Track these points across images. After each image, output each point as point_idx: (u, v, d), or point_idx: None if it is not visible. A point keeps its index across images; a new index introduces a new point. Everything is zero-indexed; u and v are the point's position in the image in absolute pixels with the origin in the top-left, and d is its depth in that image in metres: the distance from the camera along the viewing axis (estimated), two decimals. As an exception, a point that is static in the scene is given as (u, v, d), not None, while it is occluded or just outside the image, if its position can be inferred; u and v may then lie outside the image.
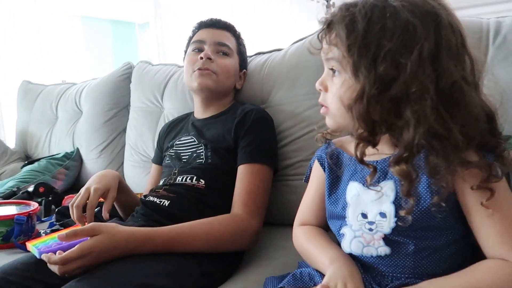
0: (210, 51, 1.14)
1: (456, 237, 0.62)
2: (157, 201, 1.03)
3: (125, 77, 1.71)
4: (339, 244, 0.70)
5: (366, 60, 0.56)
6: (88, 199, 0.98)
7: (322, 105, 0.67)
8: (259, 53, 1.35)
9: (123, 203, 1.13)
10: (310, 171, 0.81)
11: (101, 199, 1.01)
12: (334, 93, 0.63)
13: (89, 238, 0.80)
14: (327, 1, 2.51)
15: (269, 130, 1.11)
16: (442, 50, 0.55)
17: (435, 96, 0.54)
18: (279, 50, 1.30)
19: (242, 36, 1.27)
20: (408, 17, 0.55)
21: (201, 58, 1.13)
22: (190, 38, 1.23)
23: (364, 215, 0.64)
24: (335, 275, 0.60)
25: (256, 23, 3.71)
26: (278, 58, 1.25)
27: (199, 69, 1.13)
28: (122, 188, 1.09)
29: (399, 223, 0.60)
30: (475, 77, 0.59)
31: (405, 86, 0.54)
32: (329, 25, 0.62)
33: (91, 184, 1.01)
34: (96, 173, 1.08)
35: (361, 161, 0.60)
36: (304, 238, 0.75)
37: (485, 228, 0.58)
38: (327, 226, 0.76)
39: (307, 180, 0.82)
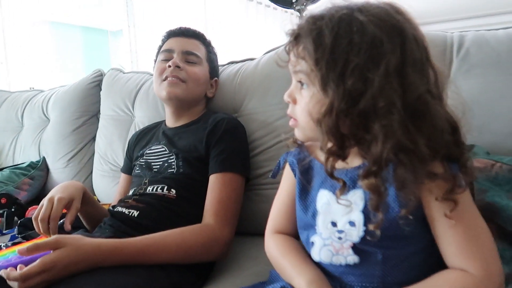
0: (178, 60, 1.14)
1: (423, 246, 0.62)
2: (126, 212, 1.01)
3: (95, 84, 1.68)
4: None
5: (334, 75, 0.56)
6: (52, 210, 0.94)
7: (291, 117, 0.67)
8: (232, 62, 1.36)
9: (88, 214, 1.09)
10: (278, 169, 0.80)
11: (64, 211, 0.97)
12: (303, 107, 0.62)
13: (52, 251, 0.77)
14: (300, 13, 2.56)
15: (240, 139, 1.11)
16: (408, 64, 0.56)
17: (402, 110, 0.55)
18: (251, 59, 1.30)
19: (216, 45, 1.27)
20: (375, 32, 0.55)
21: (169, 66, 1.12)
22: (160, 47, 1.22)
23: (334, 224, 0.64)
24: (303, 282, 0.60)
25: (230, 32, 3.73)
26: (250, 67, 1.26)
27: (167, 78, 1.12)
28: (87, 199, 1.06)
29: (368, 237, 0.60)
30: (439, 89, 0.60)
31: (373, 100, 0.55)
32: (296, 38, 0.61)
33: (55, 194, 0.97)
34: (59, 184, 1.04)
35: (331, 175, 0.60)
36: (278, 251, 0.73)
37: (447, 238, 0.59)
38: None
39: (274, 175, 0.81)
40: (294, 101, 0.65)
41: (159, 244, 0.88)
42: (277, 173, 0.81)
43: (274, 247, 0.74)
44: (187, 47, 1.17)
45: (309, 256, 0.69)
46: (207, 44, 1.23)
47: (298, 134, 0.67)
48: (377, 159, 0.56)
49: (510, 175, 0.75)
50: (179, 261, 0.90)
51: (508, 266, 0.70)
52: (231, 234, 0.98)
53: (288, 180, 0.77)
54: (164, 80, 1.13)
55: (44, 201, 0.96)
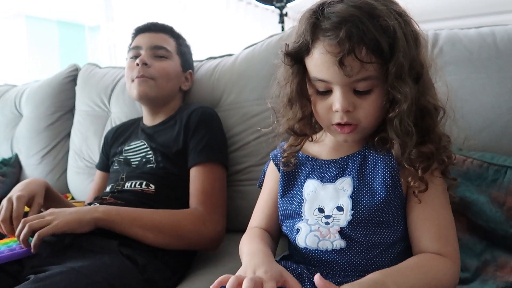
0: (146, 56, 1.12)
1: (404, 235, 0.65)
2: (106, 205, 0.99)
3: (70, 79, 1.64)
4: (292, 244, 0.70)
5: (407, 71, 0.59)
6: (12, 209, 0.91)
7: (346, 124, 0.63)
8: (211, 58, 1.35)
9: None
10: (264, 176, 0.81)
11: (28, 209, 0.94)
12: (369, 111, 0.62)
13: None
14: (280, 10, 2.56)
15: (216, 128, 1.11)
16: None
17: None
18: (230, 55, 1.30)
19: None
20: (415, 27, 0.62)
21: (137, 64, 1.11)
22: (130, 45, 1.20)
23: (321, 210, 0.66)
24: (245, 266, 0.60)
25: (211, 28, 3.70)
26: (229, 63, 1.25)
27: (136, 77, 1.11)
28: (52, 196, 1.04)
29: (355, 221, 0.63)
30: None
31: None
32: (350, 41, 0.57)
33: (14, 193, 0.94)
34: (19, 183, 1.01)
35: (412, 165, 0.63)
36: (244, 241, 0.74)
37: (426, 223, 0.63)
38: (278, 231, 0.76)
39: (260, 185, 0.82)
40: (354, 108, 0.62)
41: (155, 218, 0.91)
42: (263, 182, 0.81)
43: (244, 237, 0.75)
44: (155, 41, 1.15)
45: (270, 244, 0.71)
46: (176, 36, 1.21)
47: (355, 136, 0.66)
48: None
49: (481, 170, 0.77)
50: (172, 244, 0.91)
51: (478, 259, 0.72)
52: (220, 223, 0.97)
53: (271, 176, 0.78)
54: (134, 80, 1.12)
55: (4, 202, 0.93)
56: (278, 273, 0.56)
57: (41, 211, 0.93)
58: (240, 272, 0.58)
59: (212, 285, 0.55)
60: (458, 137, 0.71)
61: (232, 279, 0.53)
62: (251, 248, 0.67)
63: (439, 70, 0.66)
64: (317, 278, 0.51)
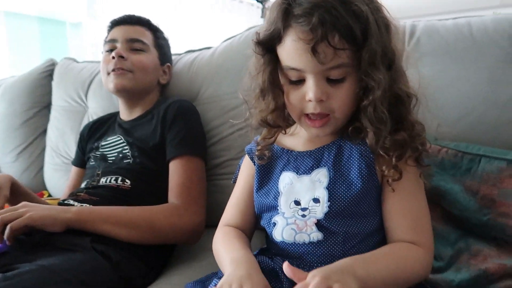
0: (122, 49, 1.10)
1: (381, 225, 0.65)
2: (78, 206, 0.96)
3: (47, 74, 1.60)
4: (269, 238, 0.69)
5: (380, 57, 0.58)
6: None
7: (320, 114, 0.62)
8: (189, 51, 1.33)
9: None
10: (239, 171, 0.80)
11: None
12: (343, 100, 0.61)
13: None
14: (262, 5, 2.54)
15: (194, 121, 1.09)
16: None
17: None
18: (208, 48, 1.28)
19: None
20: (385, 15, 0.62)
21: (113, 57, 1.08)
22: (106, 38, 1.18)
23: (297, 202, 0.65)
24: (230, 276, 0.57)
25: (194, 23, 3.68)
26: (207, 56, 1.24)
27: (113, 70, 1.08)
28: (20, 191, 1.02)
29: (331, 213, 0.62)
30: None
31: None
32: (322, 28, 0.55)
33: None
34: None
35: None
36: (218, 239, 0.72)
37: (397, 213, 0.63)
38: (252, 226, 0.75)
39: (235, 181, 0.81)
40: (327, 98, 0.61)
41: (129, 215, 0.89)
42: (238, 176, 0.80)
43: (218, 236, 0.73)
44: (131, 34, 1.13)
45: (249, 245, 0.69)
46: (153, 29, 1.19)
47: (328, 129, 0.65)
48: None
49: (456, 160, 0.77)
50: (147, 240, 0.90)
51: (452, 248, 0.72)
52: (198, 215, 0.96)
53: (246, 170, 0.77)
54: (110, 73, 1.09)
55: None
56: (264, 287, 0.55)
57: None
58: (223, 284, 0.56)
59: None
60: (432, 125, 0.70)
61: None
62: (234, 254, 0.64)
63: (410, 58, 0.66)
64: (285, 266, 0.50)
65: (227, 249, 0.67)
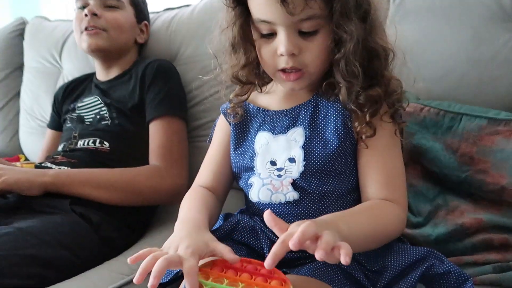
0: (95, 6, 1.04)
1: (357, 184, 0.64)
2: (56, 169, 0.94)
3: (17, 33, 1.53)
4: (247, 198, 0.68)
5: (352, 9, 0.56)
6: None
7: (293, 70, 0.60)
8: (168, 9, 1.28)
9: None
10: (214, 131, 0.78)
11: None
12: (317, 54, 0.59)
13: None
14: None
15: (174, 81, 1.06)
16: None
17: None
18: (187, 6, 1.23)
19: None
20: None
21: (86, 15, 1.03)
22: None
23: (273, 163, 0.64)
24: (172, 238, 0.56)
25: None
26: (186, 14, 1.19)
27: (86, 29, 1.04)
28: None
29: (307, 171, 0.61)
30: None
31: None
32: None
33: None
34: None
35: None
36: (184, 200, 0.70)
37: (371, 169, 0.62)
38: (226, 187, 0.74)
39: (211, 140, 0.78)
40: (300, 51, 0.59)
41: (109, 177, 0.89)
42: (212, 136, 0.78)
43: (186, 197, 0.71)
44: None
45: (210, 207, 0.67)
46: None
47: (302, 83, 0.63)
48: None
49: (437, 118, 0.77)
50: (128, 202, 0.90)
51: (430, 204, 0.74)
52: (180, 177, 0.95)
53: (221, 130, 0.75)
54: (83, 31, 1.05)
55: None
56: (203, 245, 0.53)
57: None
58: (165, 245, 0.54)
59: (131, 257, 0.50)
60: (408, 79, 0.68)
61: (148, 258, 0.48)
62: (185, 215, 0.64)
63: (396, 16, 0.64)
64: (266, 214, 0.49)
65: (183, 210, 0.66)
